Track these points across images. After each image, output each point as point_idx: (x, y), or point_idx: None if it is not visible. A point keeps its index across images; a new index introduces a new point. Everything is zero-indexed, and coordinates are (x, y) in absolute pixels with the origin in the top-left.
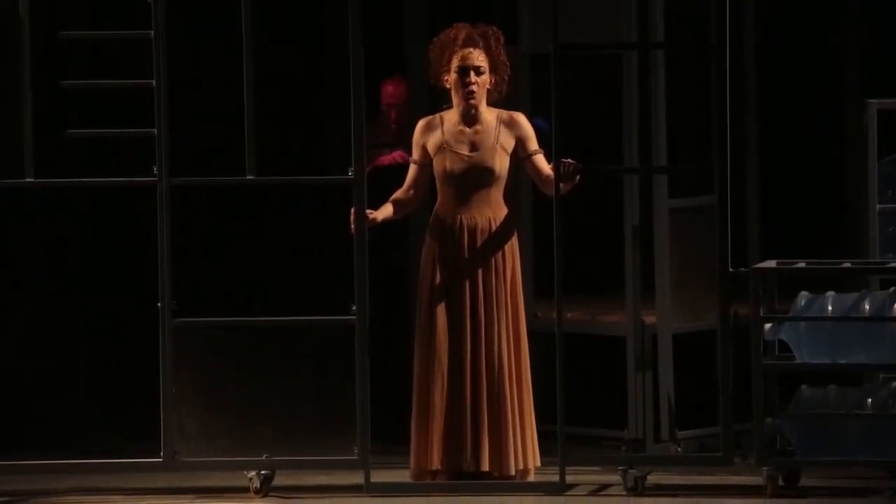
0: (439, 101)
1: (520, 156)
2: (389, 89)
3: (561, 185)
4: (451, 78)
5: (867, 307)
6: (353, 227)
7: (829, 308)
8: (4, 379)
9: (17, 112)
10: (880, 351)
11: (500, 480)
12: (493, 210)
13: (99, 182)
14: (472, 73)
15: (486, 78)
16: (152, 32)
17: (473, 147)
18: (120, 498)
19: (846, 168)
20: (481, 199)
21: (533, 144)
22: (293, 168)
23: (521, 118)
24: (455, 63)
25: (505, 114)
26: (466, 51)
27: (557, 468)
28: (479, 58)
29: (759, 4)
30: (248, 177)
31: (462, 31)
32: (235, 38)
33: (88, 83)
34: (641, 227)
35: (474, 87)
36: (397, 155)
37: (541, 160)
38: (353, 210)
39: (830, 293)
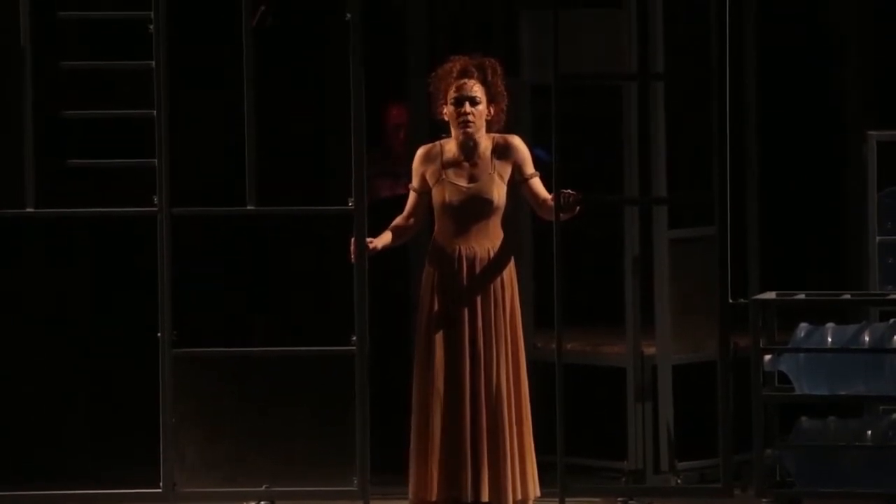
0: (440, 131)
1: (516, 180)
2: (392, 114)
3: (560, 214)
4: (448, 109)
5: (867, 339)
6: (352, 256)
7: (829, 339)
8: (3, 408)
9: (19, 142)
10: (880, 382)
11: None
12: (491, 240)
13: (99, 212)
14: (468, 104)
15: (482, 108)
16: (153, 63)
17: (472, 178)
18: None
19: (846, 199)
20: (480, 230)
21: (529, 168)
22: (294, 198)
23: (516, 141)
24: (451, 94)
25: (500, 138)
26: (461, 82)
27: (557, 499)
28: (473, 88)
29: (759, 35)
30: (249, 207)
31: (458, 63)
32: (236, 67)
33: (89, 113)
34: (641, 258)
35: (470, 117)
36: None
37: (537, 184)
38: (352, 239)
39: (830, 324)
